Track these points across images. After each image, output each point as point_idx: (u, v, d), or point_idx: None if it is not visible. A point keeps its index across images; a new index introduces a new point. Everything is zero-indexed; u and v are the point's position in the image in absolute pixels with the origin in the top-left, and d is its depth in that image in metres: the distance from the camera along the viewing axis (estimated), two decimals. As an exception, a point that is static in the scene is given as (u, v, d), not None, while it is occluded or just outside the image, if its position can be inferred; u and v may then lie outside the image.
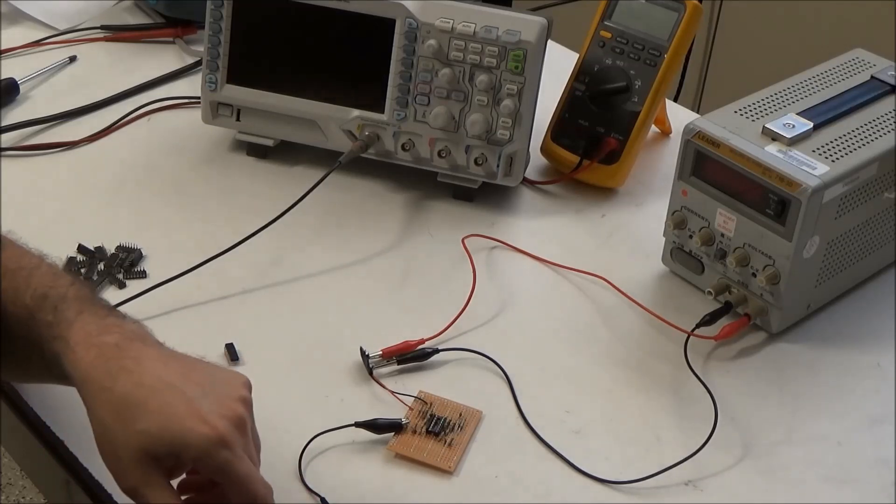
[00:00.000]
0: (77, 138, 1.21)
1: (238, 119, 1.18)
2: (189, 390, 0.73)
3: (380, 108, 1.13)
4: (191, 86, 1.29)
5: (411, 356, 0.95)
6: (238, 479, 0.72)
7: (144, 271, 1.04)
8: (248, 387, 0.77)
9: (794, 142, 0.96)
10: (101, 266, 1.03)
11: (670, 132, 1.26)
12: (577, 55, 1.18)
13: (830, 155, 0.96)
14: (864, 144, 0.98)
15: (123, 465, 0.72)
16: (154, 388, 0.72)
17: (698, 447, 0.88)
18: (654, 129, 1.23)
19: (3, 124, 1.21)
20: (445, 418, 0.90)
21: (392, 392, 0.91)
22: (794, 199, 0.93)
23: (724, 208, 0.98)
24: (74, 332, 0.76)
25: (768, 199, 0.94)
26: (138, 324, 0.79)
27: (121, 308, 0.96)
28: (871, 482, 0.88)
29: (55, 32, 1.39)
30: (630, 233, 1.13)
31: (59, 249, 1.03)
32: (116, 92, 1.28)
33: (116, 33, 1.40)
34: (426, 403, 0.91)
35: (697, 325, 0.98)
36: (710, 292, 1.01)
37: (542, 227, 1.13)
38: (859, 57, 1.10)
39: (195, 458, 0.71)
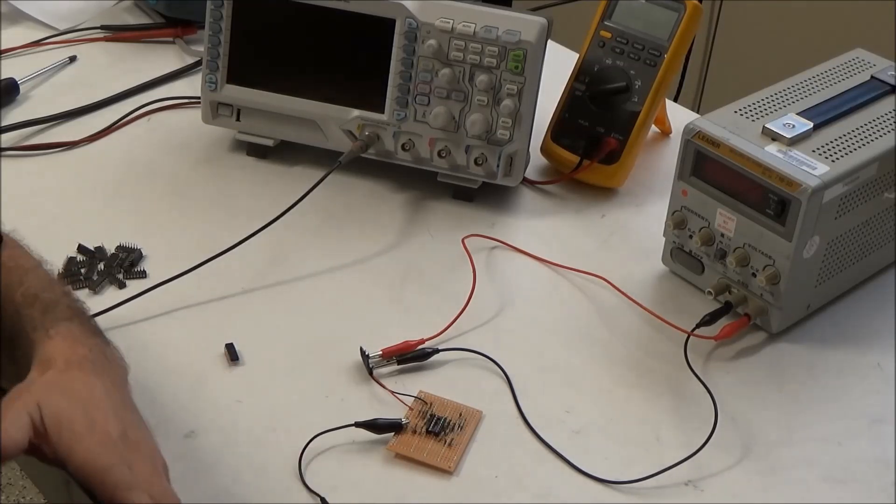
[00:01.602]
0: (77, 138, 1.21)
1: (238, 119, 1.18)
2: (120, 450, 0.73)
3: (380, 108, 1.13)
4: (191, 86, 1.29)
5: (411, 356, 0.95)
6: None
7: (144, 271, 1.04)
8: (167, 471, 0.76)
9: (794, 142, 0.96)
10: (101, 266, 1.03)
11: (670, 132, 1.26)
12: (577, 55, 1.18)
13: (830, 155, 0.96)
14: (864, 144, 0.98)
15: (15, 426, 0.71)
16: (92, 424, 0.73)
17: (698, 447, 0.88)
18: (654, 129, 1.23)
19: (3, 124, 1.21)
20: (445, 418, 0.90)
21: (392, 392, 0.91)
22: (794, 199, 0.93)
23: (724, 208, 0.98)
24: (59, 330, 0.78)
25: (768, 199, 0.94)
26: (120, 362, 0.80)
27: (120, 308, 0.97)
28: (871, 482, 0.88)
29: (55, 32, 1.39)
30: (630, 233, 1.13)
31: (59, 249, 1.03)
32: (116, 92, 1.28)
33: (116, 33, 1.40)
34: (426, 403, 0.91)
35: (697, 325, 0.98)
36: (710, 292, 1.01)
37: (542, 227, 1.13)
38: (859, 57, 1.10)
39: (99, 493, 0.72)
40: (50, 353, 0.77)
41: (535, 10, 1.16)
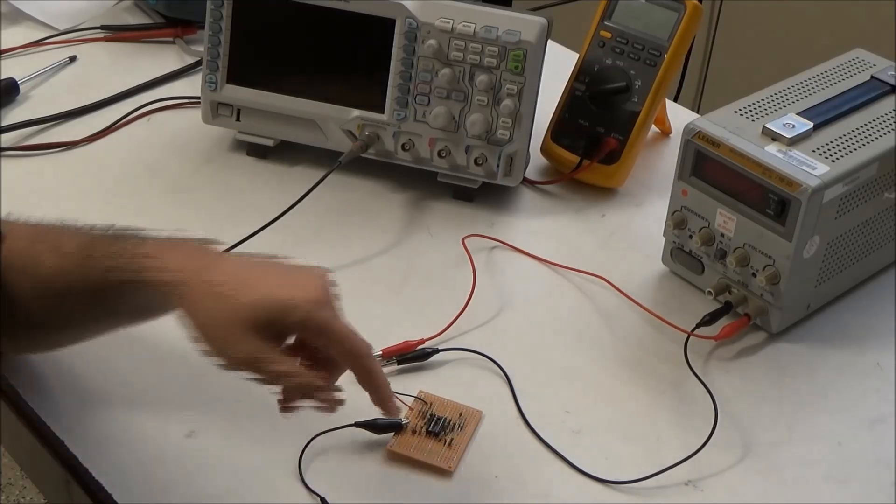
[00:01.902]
0: (77, 138, 1.21)
1: (238, 119, 1.18)
2: (280, 270, 0.79)
3: (380, 108, 1.13)
4: (191, 86, 1.29)
5: (411, 356, 0.95)
6: (339, 334, 0.77)
7: (144, 271, 1.03)
8: (327, 273, 0.81)
9: (794, 142, 0.96)
10: (101, 266, 1.03)
11: (670, 132, 1.26)
12: (577, 55, 1.18)
13: (830, 155, 0.96)
14: (864, 144, 0.98)
15: (235, 340, 0.75)
16: (249, 270, 0.79)
17: (698, 447, 0.88)
18: (654, 129, 1.23)
19: (3, 124, 1.21)
20: (445, 418, 0.90)
21: (392, 392, 0.91)
22: (794, 199, 0.93)
23: (724, 208, 0.98)
24: (150, 249, 0.79)
25: (768, 199, 0.94)
26: (205, 238, 0.83)
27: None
28: (871, 482, 0.88)
29: (55, 32, 1.39)
30: (630, 233, 1.13)
31: (59, 249, 1.03)
32: (116, 92, 1.28)
33: (116, 33, 1.40)
34: (426, 403, 0.91)
35: (697, 325, 0.98)
36: (710, 292, 1.01)
37: (542, 227, 1.13)
38: (859, 57, 1.10)
39: (300, 319, 0.75)
40: (175, 270, 0.78)
41: (535, 10, 1.15)
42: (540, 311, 1.03)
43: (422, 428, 0.89)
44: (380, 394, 0.79)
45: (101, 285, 0.80)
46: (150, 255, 0.79)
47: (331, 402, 0.77)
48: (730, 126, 0.98)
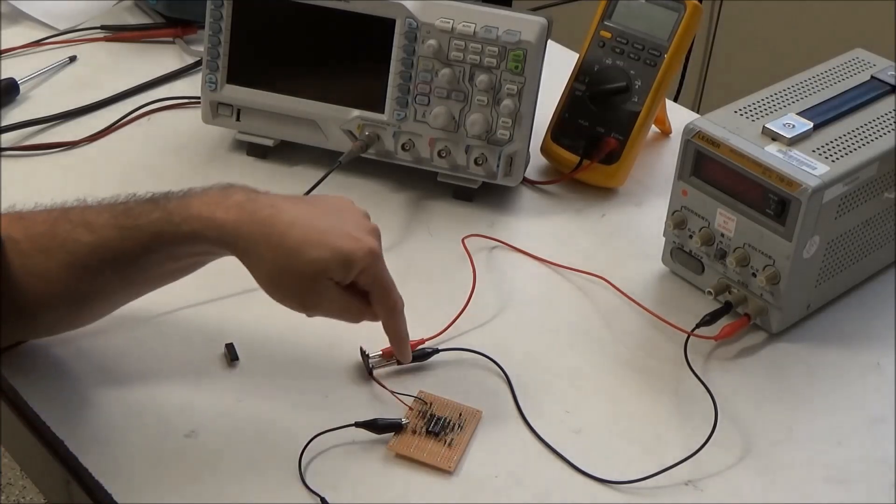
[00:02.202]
0: (77, 138, 1.21)
1: (238, 119, 1.18)
2: (330, 218, 0.86)
3: (380, 108, 1.13)
4: (191, 86, 1.29)
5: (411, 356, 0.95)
6: (385, 285, 0.87)
7: (144, 271, 1.03)
8: (353, 203, 0.91)
9: (794, 142, 0.96)
10: (101, 266, 1.04)
11: (670, 132, 1.26)
12: (577, 55, 1.18)
13: (830, 155, 0.96)
14: (864, 144, 0.98)
15: (306, 292, 0.85)
16: (305, 223, 0.84)
17: (698, 447, 0.88)
18: (654, 129, 1.23)
19: (3, 124, 1.21)
20: (445, 418, 0.90)
21: (392, 392, 0.91)
22: (794, 199, 0.93)
23: (724, 208, 0.98)
24: (200, 208, 0.84)
25: (768, 199, 0.94)
26: (236, 184, 0.87)
27: (120, 308, 0.97)
28: (871, 482, 0.88)
29: (55, 32, 1.39)
30: (630, 233, 1.13)
31: (59, 249, 1.03)
32: (116, 92, 1.28)
33: (116, 33, 1.40)
34: (426, 403, 0.91)
35: (697, 325, 0.98)
36: (710, 292, 1.01)
37: (542, 227, 1.13)
38: (859, 57, 1.10)
39: (360, 270, 0.85)
40: (234, 229, 0.83)
41: (535, 10, 1.16)
42: (540, 311, 1.03)
43: (422, 428, 0.89)
44: (401, 348, 0.90)
45: (151, 249, 0.85)
46: (202, 213, 0.84)
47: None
48: (730, 126, 0.98)
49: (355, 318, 0.88)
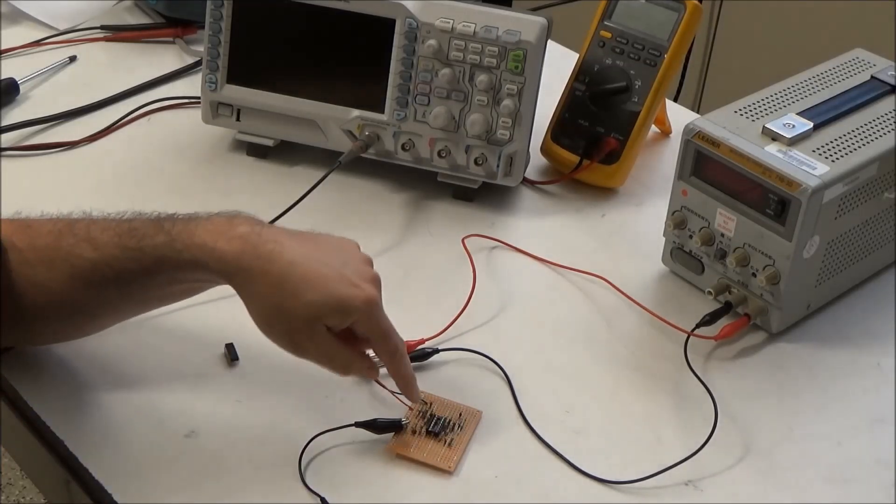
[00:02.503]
0: (77, 138, 1.21)
1: (238, 119, 1.18)
2: (332, 261, 0.84)
3: (380, 108, 1.13)
4: (191, 86, 1.29)
5: (411, 356, 0.95)
6: (384, 332, 0.85)
7: (144, 271, 1.03)
8: (358, 247, 0.90)
9: (794, 142, 0.96)
10: (101, 266, 1.04)
11: (670, 132, 1.26)
12: (577, 55, 1.18)
13: (830, 155, 0.96)
14: (864, 144, 0.98)
15: (297, 334, 0.83)
16: (306, 264, 0.83)
17: (698, 447, 0.88)
18: (654, 129, 1.23)
19: (3, 124, 1.21)
20: (445, 418, 0.90)
21: (392, 392, 0.91)
22: (794, 199, 0.93)
23: (724, 208, 0.98)
24: (204, 237, 0.83)
25: (768, 199, 0.94)
26: (243, 213, 0.86)
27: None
28: (871, 482, 0.88)
29: (55, 32, 1.39)
30: (630, 233, 1.13)
31: (59, 249, 1.03)
32: (116, 92, 1.28)
33: (116, 33, 1.40)
34: (426, 403, 0.91)
35: (697, 325, 0.98)
36: (710, 292, 1.01)
37: (542, 227, 1.13)
38: (859, 57, 1.10)
39: (357, 319, 0.83)
40: (234, 261, 0.82)
41: (535, 10, 1.16)
42: (540, 311, 1.03)
43: (422, 428, 0.89)
44: (408, 389, 0.88)
45: (153, 271, 0.84)
46: (205, 242, 0.83)
47: (375, 374, 0.89)
48: (730, 126, 0.98)
49: (341, 369, 0.87)
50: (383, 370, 0.94)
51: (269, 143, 1.18)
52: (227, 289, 1.01)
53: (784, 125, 0.97)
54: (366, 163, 1.15)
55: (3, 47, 1.34)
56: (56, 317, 0.87)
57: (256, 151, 1.19)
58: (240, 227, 0.84)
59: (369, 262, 0.88)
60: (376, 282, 0.86)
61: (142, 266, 0.84)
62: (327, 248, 0.87)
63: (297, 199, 1.07)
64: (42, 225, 0.88)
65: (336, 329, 0.84)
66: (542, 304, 1.04)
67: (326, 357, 0.85)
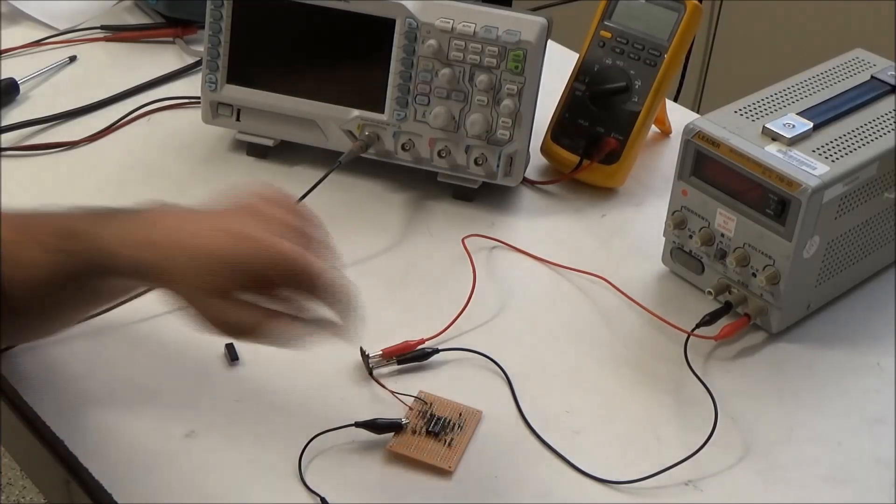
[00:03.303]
0: (77, 138, 1.21)
1: (238, 119, 1.18)
2: (239, 224, 0.80)
3: (380, 108, 1.13)
4: (191, 86, 1.29)
5: (411, 356, 0.95)
6: (320, 285, 0.79)
7: (144, 271, 1.03)
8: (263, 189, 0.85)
9: (794, 142, 0.96)
10: (101, 266, 1.03)
11: (670, 132, 1.26)
12: (577, 55, 1.18)
13: (830, 155, 0.96)
14: (864, 144, 0.98)
15: (218, 306, 0.78)
16: (211, 235, 0.79)
17: (698, 447, 0.88)
18: (654, 129, 1.23)
19: (3, 124, 1.21)
20: (445, 418, 0.90)
21: (392, 392, 0.91)
22: (794, 199, 0.93)
23: (724, 208, 0.98)
24: (111, 239, 0.80)
25: (768, 199, 0.94)
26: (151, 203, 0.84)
27: (121, 308, 0.96)
28: (871, 482, 0.88)
29: (55, 32, 1.39)
30: (630, 233, 1.13)
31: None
32: (116, 92, 1.28)
33: (116, 33, 1.40)
34: (426, 403, 0.91)
35: (697, 325, 0.98)
36: (710, 292, 1.01)
37: (542, 227, 1.13)
38: (859, 57, 1.10)
39: (280, 284, 0.78)
40: (147, 266, 0.80)
41: (535, 10, 1.16)
42: (540, 311, 1.03)
43: (422, 428, 0.89)
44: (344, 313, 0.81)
45: (83, 276, 0.82)
46: (112, 246, 0.80)
47: (334, 332, 0.81)
48: (730, 126, 0.98)
49: (249, 333, 0.80)
50: (383, 370, 0.94)
51: (269, 143, 1.18)
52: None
53: (784, 125, 0.97)
54: (366, 163, 1.15)
55: (3, 47, 1.34)
56: (20, 315, 0.85)
57: (256, 151, 1.19)
58: (146, 216, 0.82)
59: (287, 209, 0.83)
60: (292, 233, 0.80)
61: (71, 272, 0.82)
62: (233, 213, 0.83)
63: (297, 199, 1.07)
64: (11, 219, 0.86)
65: (269, 289, 0.79)
66: (542, 304, 1.04)
67: (248, 332, 0.80)
